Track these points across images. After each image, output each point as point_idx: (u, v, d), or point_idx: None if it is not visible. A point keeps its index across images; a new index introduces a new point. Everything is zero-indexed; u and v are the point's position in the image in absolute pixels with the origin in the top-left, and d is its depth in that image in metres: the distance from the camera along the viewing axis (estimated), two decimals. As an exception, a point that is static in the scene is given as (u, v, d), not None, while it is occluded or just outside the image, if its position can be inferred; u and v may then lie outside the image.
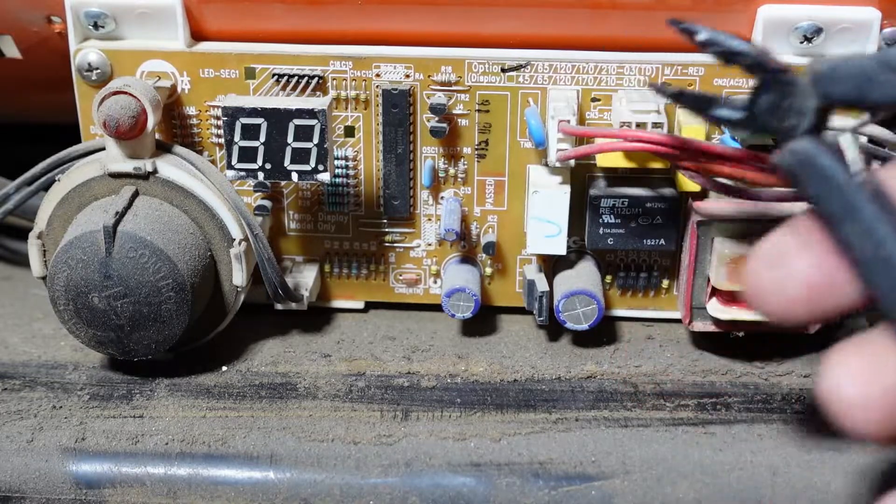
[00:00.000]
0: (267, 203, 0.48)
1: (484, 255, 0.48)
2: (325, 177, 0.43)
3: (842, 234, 0.32)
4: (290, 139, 0.43)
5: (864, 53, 0.35)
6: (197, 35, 0.46)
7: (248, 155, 0.43)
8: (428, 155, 0.47)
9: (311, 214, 0.48)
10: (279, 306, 0.49)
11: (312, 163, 0.43)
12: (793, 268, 0.32)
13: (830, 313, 0.32)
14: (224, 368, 0.46)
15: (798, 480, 0.40)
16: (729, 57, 0.36)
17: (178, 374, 0.46)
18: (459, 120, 0.46)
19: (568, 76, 0.45)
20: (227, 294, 0.46)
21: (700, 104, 0.37)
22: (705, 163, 0.41)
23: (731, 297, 0.44)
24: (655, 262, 0.48)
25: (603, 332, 0.48)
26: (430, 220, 0.48)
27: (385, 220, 0.48)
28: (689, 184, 0.43)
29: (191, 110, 0.47)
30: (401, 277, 0.49)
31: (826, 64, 0.34)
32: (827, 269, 0.32)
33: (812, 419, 0.43)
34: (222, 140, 0.44)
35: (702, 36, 0.36)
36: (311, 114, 0.43)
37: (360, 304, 0.50)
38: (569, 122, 0.43)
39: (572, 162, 0.44)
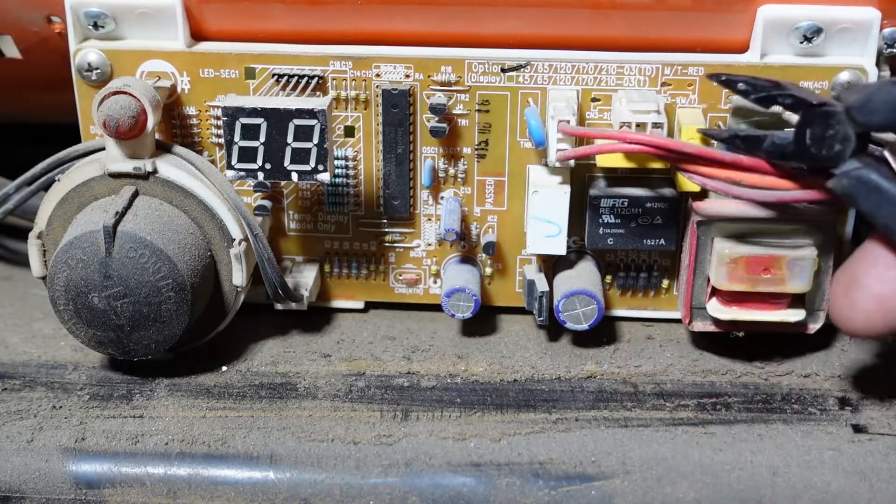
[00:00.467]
0: (267, 203, 0.48)
1: (484, 255, 0.48)
2: (324, 177, 0.43)
3: None
4: (289, 139, 0.43)
5: (887, 80, 0.38)
6: (197, 35, 0.46)
7: (248, 155, 0.43)
8: (428, 155, 0.47)
9: (311, 214, 0.48)
10: (279, 306, 0.49)
11: (312, 163, 0.43)
12: (863, 286, 0.37)
13: None
14: (224, 368, 0.46)
15: (798, 480, 0.40)
16: (769, 100, 0.40)
17: (178, 374, 0.46)
18: (459, 120, 0.46)
19: (568, 76, 0.45)
20: (227, 294, 0.46)
21: (751, 144, 0.40)
22: (703, 167, 0.41)
23: (731, 297, 0.44)
24: (655, 262, 0.48)
25: (603, 332, 0.48)
26: (429, 220, 0.48)
27: (385, 220, 0.48)
28: (688, 184, 0.43)
29: (191, 110, 0.47)
30: (401, 277, 0.49)
31: (858, 95, 0.37)
32: (892, 280, 0.37)
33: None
34: (222, 140, 0.44)
35: (741, 86, 0.41)
36: (310, 114, 0.43)
37: (359, 304, 0.50)
38: (568, 122, 0.43)
39: (572, 162, 0.44)
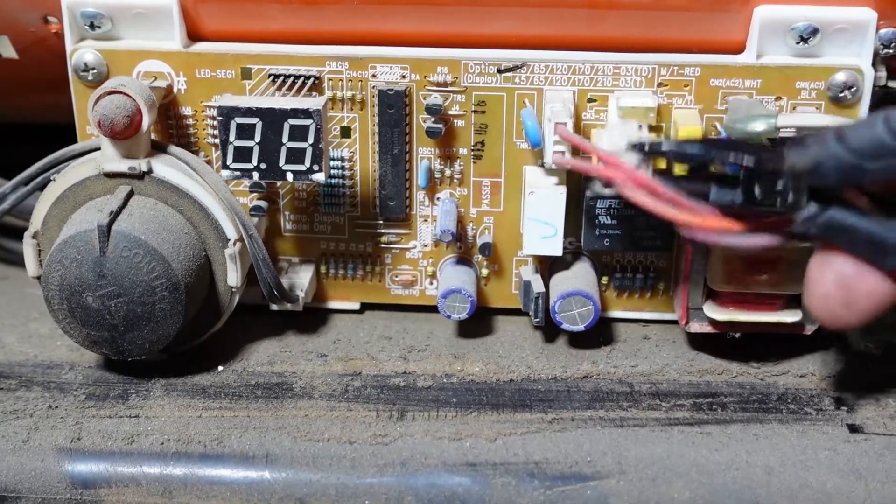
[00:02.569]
0: (263, 203, 0.48)
1: (480, 256, 0.48)
2: (319, 177, 0.43)
3: (885, 265, 0.36)
4: (284, 139, 0.43)
5: (832, 140, 0.36)
6: (193, 35, 0.46)
7: (243, 155, 0.43)
8: (424, 156, 0.47)
9: (307, 215, 0.48)
10: (275, 307, 0.49)
11: (307, 163, 0.43)
12: (864, 295, 0.37)
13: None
14: (220, 368, 0.46)
15: (794, 480, 0.40)
16: (701, 168, 0.39)
17: (173, 373, 0.46)
18: (455, 121, 0.46)
19: (564, 77, 0.45)
20: (222, 294, 0.46)
21: (697, 196, 0.39)
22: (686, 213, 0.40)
23: (727, 299, 0.44)
24: (652, 263, 0.48)
25: (599, 333, 0.48)
26: (426, 221, 0.48)
27: (381, 221, 0.48)
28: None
29: (187, 110, 0.47)
30: (397, 279, 0.49)
31: (806, 160, 0.36)
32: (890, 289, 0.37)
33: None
34: (218, 140, 0.44)
35: (670, 156, 0.39)
36: (305, 114, 0.43)
37: (355, 306, 0.50)
38: (565, 124, 0.43)
39: (568, 162, 0.44)
